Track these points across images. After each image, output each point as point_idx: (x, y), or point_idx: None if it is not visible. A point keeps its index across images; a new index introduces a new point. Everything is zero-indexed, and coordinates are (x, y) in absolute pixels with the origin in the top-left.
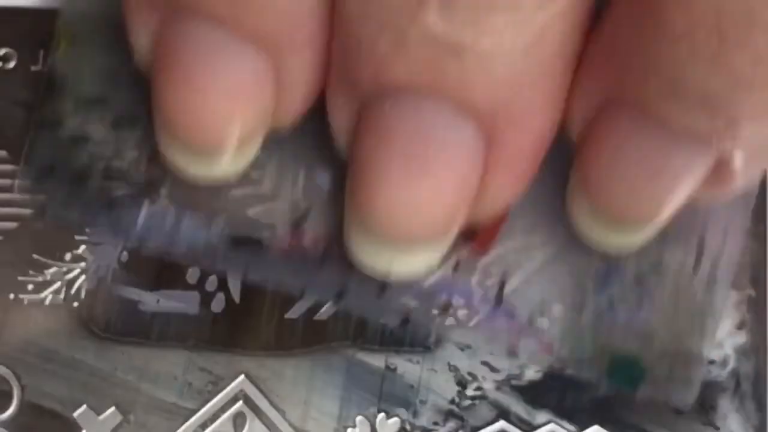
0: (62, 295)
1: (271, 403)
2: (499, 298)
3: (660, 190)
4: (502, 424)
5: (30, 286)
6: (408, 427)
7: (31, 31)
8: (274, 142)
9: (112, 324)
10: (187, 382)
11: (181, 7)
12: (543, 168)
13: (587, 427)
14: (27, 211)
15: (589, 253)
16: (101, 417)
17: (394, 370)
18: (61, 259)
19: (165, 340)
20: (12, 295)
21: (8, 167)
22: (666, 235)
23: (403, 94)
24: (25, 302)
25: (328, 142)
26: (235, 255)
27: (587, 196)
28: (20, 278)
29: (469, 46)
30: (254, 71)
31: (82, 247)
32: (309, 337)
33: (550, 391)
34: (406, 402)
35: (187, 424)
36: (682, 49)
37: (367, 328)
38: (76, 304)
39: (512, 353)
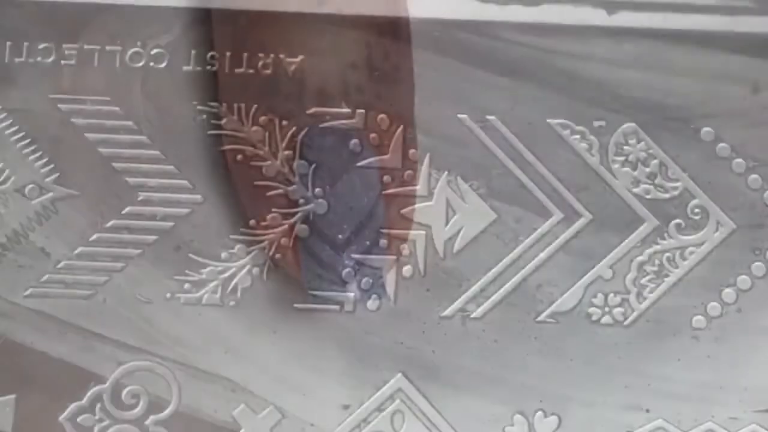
0: (218, 294)
1: (429, 402)
2: None
3: None
4: None
5: (186, 285)
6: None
7: (184, 31)
8: None
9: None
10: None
11: None
12: None
13: None
14: (183, 211)
15: None
16: (260, 415)
17: None
18: (217, 258)
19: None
20: (168, 294)
21: (167, 167)
22: None
23: None
24: (182, 301)
25: None
26: None
27: None
28: (176, 277)
29: None
30: None
31: (238, 246)
32: None
33: None
34: None
35: (346, 422)
36: None
37: None
38: (232, 303)
39: None
